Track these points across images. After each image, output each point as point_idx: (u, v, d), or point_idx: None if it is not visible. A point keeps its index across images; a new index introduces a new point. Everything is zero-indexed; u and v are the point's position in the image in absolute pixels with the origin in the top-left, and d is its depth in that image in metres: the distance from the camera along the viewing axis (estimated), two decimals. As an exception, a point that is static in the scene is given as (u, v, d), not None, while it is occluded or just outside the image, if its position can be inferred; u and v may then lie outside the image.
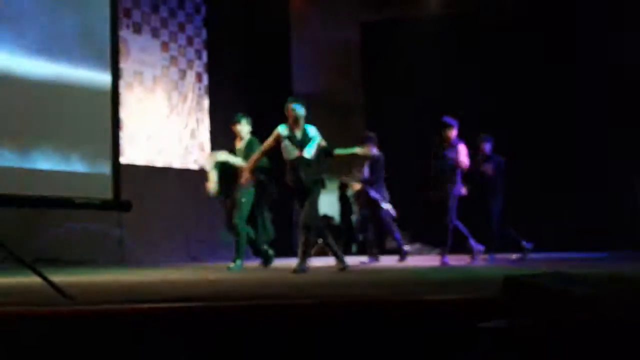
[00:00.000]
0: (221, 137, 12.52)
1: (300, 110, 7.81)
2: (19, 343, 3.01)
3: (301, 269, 7.54)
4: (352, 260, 8.72)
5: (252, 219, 8.84)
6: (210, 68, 12.73)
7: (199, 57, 12.65)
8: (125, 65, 11.12)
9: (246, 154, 8.59)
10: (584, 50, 12.33)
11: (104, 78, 5.14)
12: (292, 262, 7.99)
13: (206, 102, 12.67)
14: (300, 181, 7.80)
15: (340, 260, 7.94)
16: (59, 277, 4.77)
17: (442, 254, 9.12)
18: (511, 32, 12.55)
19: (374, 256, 10.25)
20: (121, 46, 10.62)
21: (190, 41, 12.52)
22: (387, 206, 10.22)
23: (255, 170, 8.29)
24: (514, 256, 9.91)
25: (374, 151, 10.15)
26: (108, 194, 5.13)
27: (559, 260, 9.55)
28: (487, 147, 10.01)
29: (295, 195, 7.99)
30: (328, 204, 13.94)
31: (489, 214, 9.85)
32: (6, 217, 8.44)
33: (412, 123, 12.61)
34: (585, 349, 2.33)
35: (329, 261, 8.66)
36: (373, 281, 6.29)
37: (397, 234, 10.35)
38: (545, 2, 12.62)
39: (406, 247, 10.76)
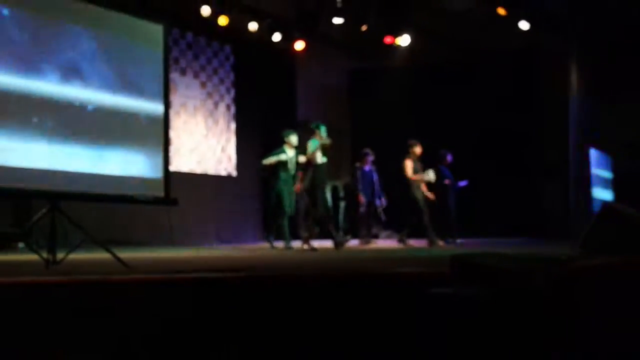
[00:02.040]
0: (244, 151, 12.60)
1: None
2: (95, 302, 2.98)
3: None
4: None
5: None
6: (237, 101, 12.71)
7: (228, 93, 12.64)
8: (174, 98, 11.10)
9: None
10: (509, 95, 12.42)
11: (158, 108, 5.13)
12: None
13: (233, 126, 12.65)
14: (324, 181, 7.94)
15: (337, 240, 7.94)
16: (124, 254, 4.74)
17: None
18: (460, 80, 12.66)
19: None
20: (171, 85, 10.58)
21: (222, 81, 12.50)
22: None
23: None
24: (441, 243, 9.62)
25: (368, 166, 10.17)
26: (160, 193, 5.11)
27: (489, 243, 9.41)
28: (449, 157, 9.96)
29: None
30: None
31: (449, 208, 9.74)
32: (86, 209, 8.40)
33: (386, 143, 12.62)
34: (513, 311, 2.31)
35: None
36: (359, 258, 6.26)
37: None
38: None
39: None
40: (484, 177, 11.69)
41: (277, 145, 8.94)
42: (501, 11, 10.32)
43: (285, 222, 8.43)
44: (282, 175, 8.66)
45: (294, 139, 8.72)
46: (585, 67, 12.67)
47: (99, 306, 2.93)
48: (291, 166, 8.68)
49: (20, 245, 8.27)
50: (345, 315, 2.97)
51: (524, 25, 10.81)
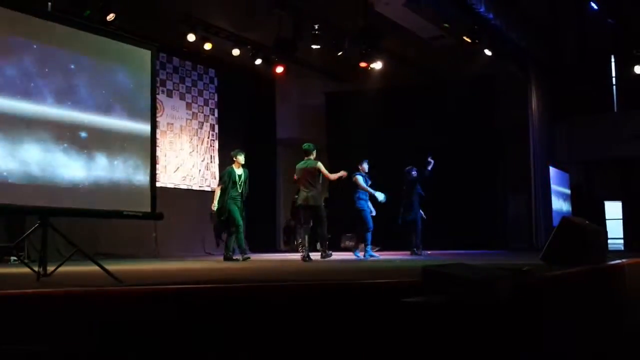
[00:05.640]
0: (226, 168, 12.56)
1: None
2: (84, 314, 2.93)
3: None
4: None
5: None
6: (220, 121, 12.70)
7: (213, 114, 12.62)
8: (160, 118, 11.06)
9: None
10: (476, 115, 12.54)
11: (146, 128, 5.10)
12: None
13: (217, 144, 12.62)
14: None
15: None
16: (112, 266, 4.68)
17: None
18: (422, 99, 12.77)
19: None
20: (158, 105, 10.58)
21: (206, 102, 12.48)
22: None
23: None
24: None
25: None
26: (147, 208, 5.06)
27: (456, 255, 9.38)
28: (414, 173, 9.80)
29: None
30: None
31: (417, 220, 9.66)
32: (75, 224, 8.30)
33: (360, 159, 12.65)
34: (479, 317, 2.32)
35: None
36: (336, 269, 6.22)
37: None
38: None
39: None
40: (451, 194, 11.80)
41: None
42: (466, 39, 10.47)
43: (241, 235, 8.42)
44: (232, 192, 8.45)
45: (241, 158, 8.59)
46: (543, 91, 12.91)
47: (87, 316, 2.88)
48: (240, 184, 8.48)
49: (13, 258, 8.12)
50: (321, 323, 2.95)
51: (487, 52, 10.99)
